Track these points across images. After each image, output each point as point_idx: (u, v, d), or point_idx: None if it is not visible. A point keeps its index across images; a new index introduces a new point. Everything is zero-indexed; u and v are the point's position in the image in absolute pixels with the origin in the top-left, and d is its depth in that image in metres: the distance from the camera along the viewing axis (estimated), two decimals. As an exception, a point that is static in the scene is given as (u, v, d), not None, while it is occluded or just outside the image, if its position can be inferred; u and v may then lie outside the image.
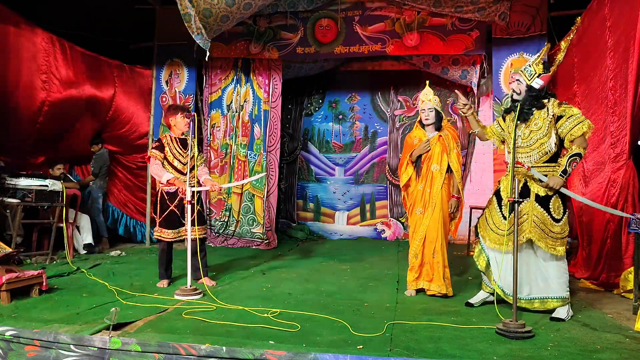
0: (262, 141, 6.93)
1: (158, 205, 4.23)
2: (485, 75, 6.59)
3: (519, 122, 3.34)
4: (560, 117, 3.25)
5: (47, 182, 5.32)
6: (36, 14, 5.76)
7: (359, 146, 8.17)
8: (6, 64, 5.16)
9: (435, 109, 3.98)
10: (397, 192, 7.93)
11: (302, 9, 6.49)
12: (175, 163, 4.23)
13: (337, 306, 3.59)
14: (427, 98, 3.99)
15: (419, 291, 4.04)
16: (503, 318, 3.09)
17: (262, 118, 6.94)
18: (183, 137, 4.33)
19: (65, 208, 5.41)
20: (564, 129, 3.23)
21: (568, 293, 3.34)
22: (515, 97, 3.40)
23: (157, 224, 4.22)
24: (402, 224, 7.88)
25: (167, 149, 4.24)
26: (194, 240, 4.07)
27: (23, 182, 5.17)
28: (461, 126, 7.48)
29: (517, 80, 3.40)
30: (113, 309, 2.67)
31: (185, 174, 4.11)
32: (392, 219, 7.97)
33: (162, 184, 4.15)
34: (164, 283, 4.25)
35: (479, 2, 5.50)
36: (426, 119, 3.98)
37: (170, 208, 4.19)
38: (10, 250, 3.91)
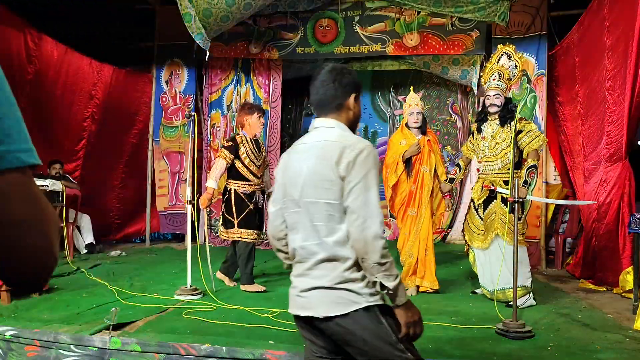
0: (262, 141, 6.92)
1: (233, 206, 4.06)
2: (486, 75, 6.58)
3: (501, 127, 3.79)
4: (520, 132, 3.69)
5: (47, 182, 5.31)
6: (35, 14, 5.76)
7: (359, 146, 8.16)
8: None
9: (422, 112, 4.17)
10: (397, 192, 7.92)
11: (302, 9, 6.48)
12: (251, 166, 4.13)
13: (337, 306, 3.58)
14: (415, 102, 4.17)
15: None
16: (503, 318, 3.09)
17: (262, 118, 6.94)
18: (256, 138, 4.23)
19: (66, 208, 5.40)
20: (523, 142, 3.72)
21: (529, 282, 3.67)
22: (495, 109, 3.80)
23: (235, 224, 4.04)
24: (402, 224, 7.89)
25: (242, 149, 4.11)
26: (248, 243, 4.06)
27: (23, 182, 5.15)
28: (461, 126, 7.47)
29: (497, 95, 3.81)
30: (113, 309, 2.68)
31: (259, 177, 4.13)
32: (391, 219, 7.96)
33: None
34: (256, 287, 4.05)
35: (479, 2, 5.49)
36: (415, 122, 4.14)
37: (249, 208, 4.08)
38: (10, 250, 3.90)
